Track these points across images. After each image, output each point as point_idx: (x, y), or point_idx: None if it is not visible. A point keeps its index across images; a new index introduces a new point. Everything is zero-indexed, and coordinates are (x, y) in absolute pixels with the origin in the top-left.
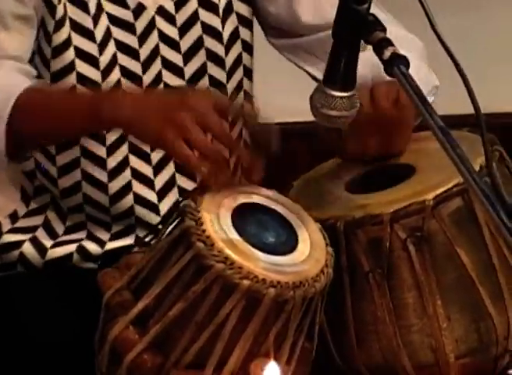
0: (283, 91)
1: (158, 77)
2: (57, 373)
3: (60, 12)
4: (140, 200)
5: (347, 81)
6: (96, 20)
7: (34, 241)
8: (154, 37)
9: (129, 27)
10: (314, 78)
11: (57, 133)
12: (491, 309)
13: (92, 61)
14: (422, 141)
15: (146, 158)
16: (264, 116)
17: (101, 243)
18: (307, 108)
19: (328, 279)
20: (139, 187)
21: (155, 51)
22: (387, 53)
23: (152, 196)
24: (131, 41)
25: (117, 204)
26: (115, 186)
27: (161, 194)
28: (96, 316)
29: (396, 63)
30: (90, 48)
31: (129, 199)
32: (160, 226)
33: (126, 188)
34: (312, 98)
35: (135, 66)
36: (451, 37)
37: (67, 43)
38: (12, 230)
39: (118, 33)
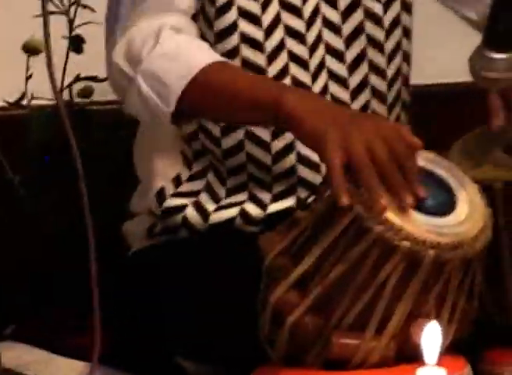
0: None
1: (322, 63)
2: (221, 333)
3: None
4: (302, 159)
5: (507, 42)
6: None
7: (197, 205)
8: (318, 22)
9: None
10: (474, 24)
11: (228, 115)
12: None
13: (255, 20)
14: None
15: None
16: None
17: (263, 205)
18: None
19: (487, 240)
20: (302, 147)
21: (319, 37)
22: None
23: (314, 155)
24: (299, 25)
25: (279, 163)
26: (278, 145)
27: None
28: (258, 280)
29: None
30: (253, 7)
31: (291, 158)
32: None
33: (289, 147)
34: (471, 60)
35: (299, 25)
36: None
37: (230, 3)
38: (176, 195)
39: (287, 17)
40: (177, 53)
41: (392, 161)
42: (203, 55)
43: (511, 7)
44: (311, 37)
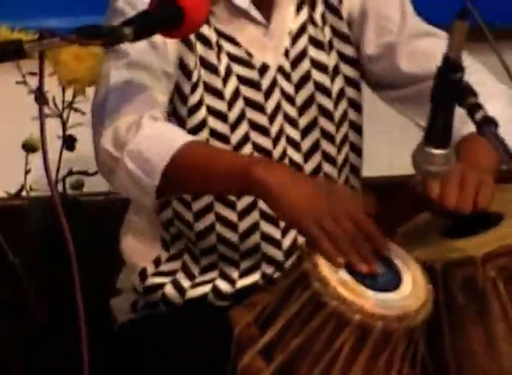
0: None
1: (281, 129)
2: None
3: (195, 76)
4: (266, 237)
5: (445, 140)
6: (226, 81)
7: (175, 283)
8: (276, 93)
9: (255, 85)
10: (420, 126)
11: (205, 185)
12: None
13: (222, 117)
14: (508, 192)
15: None
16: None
17: (232, 282)
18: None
19: (429, 313)
20: (265, 226)
21: (278, 106)
22: (478, 116)
23: (277, 233)
24: (258, 97)
25: (246, 241)
26: (244, 225)
27: (285, 230)
28: (228, 349)
29: (487, 125)
30: (220, 105)
31: (256, 237)
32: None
33: (254, 227)
34: (414, 155)
35: (262, 119)
36: None
37: (200, 103)
38: (156, 274)
39: (246, 90)
40: (158, 135)
41: (357, 232)
42: (180, 136)
43: (447, 110)
44: (270, 108)
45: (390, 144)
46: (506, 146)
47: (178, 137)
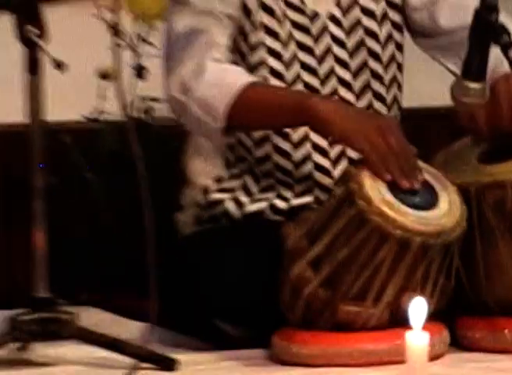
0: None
1: (331, 71)
2: (251, 302)
3: (255, 17)
4: (318, 167)
5: (480, 75)
6: (281, 24)
7: (235, 199)
8: (326, 38)
9: (306, 30)
10: (451, 72)
11: (266, 121)
12: None
13: (278, 57)
14: None
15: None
16: None
17: (287, 200)
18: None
19: (463, 230)
20: (317, 157)
21: (328, 49)
22: (511, 54)
23: (327, 163)
24: (308, 40)
25: (299, 170)
26: (297, 156)
27: (335, 162)
28: (280, 259)
29: None
30: (277, 46)
31: (309, 166)
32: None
33: (308, 157)
34: (452, 88)
35: (311, 61)
36: None
37: (260, 42)
38: (218, 190)
39: (297, 34)
40: (220, 78)
41: (400, 150)
42: (240, 78)
43: (482, 49)
44: (319, 51)
45: (431, 79)
46: None
47: (238, 80)
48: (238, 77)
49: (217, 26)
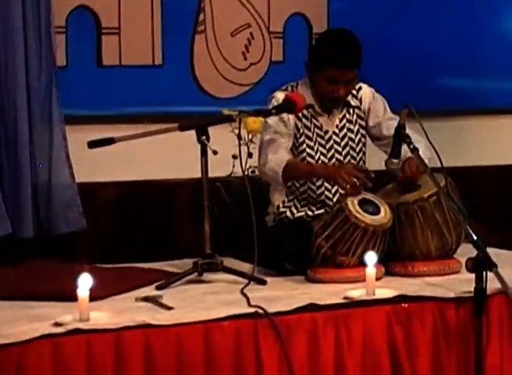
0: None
1: (333, 155)
2: (300, 253)
3: (301, 130)
4: (327, 196)
5: (398, 155)
6: (312, 135)
7: (290, 211)
8: (331, 142)
9: (322, 138)
10: (386, 152)
11: (302, 177)
12: (448, 235)
13: (312, 148)
14: (424, 176)
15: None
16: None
17: (313, 211)
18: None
19: (391, 223)
20: (327, 192)
21: (331, 147)
22: (411, 147)
23: (331, 195)
24: (323, 142)
25: (320, 197)
26: (319, 191)
27: (334, 194)
28: (310, 237)
29: (416, 150)
30: (311, 143)
31: (324, 196)
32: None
33: (323, 191)
34: (386, 161)
35: (325, 151)
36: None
37: (303, 142)
38: (283, 207)
39: (319, 139)
40: (278, 159)
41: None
42: (287, 158)
43: (398, 144)
44: (328, 150)
45: (381, 153)
46: (423, 160)
47: (285, 159)
48: (285, 158)
49: (284, 139)
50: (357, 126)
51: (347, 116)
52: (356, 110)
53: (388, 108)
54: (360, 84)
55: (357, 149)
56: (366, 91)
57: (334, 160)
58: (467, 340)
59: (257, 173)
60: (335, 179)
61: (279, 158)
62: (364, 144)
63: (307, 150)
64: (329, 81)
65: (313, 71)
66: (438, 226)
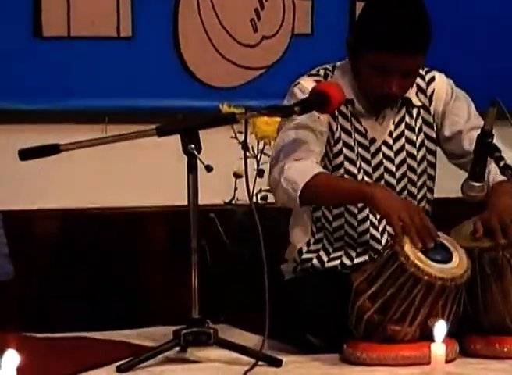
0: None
1: (381, 175)
2: (330, 323)
3: (337, 135)
4: (372, 237)
5: (481, 177)
6: (353, 142)
7: (318, 258)
8: (379, 156)
9: (366, 149)
10: (468, 172)
11: (331, 198)
12: None
13: (353, 163)
14: None
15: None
16: None
17: (352, 259)
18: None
19: (468, 277)
20: (372, 230)
21: (380, 162)
22: (501, 164)
23: (378, 235)
24: (368, 156)
25: (360, 238)
26: (360, 228)
27: (382, 234)
28: (349, 295)
29: (507, 169)
30: (353, 156)
31: (367, 236)
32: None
33: (367, 231)
34: (463, 186)
35: (368, 169)
36: None
37: (340, 152)
38: (307, 252)
39: (361, 151)
40: (303, 168)
41: (423, 224)
42: (317, 168)
43: (482, 161)
44: (373, 163)
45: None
46: None
47: (315, 169)
48: (315, 168)
49: (313, 138)
50: (421, 137)
51: (407, 119)
52: (422, 112)
53: (474, 112)
54: (434, 73)
55: (419, 171)
56: (441, 84)
57: (382, 184)
58: None
59: (270, 199)
60: (396, 215)
61: (307, 165)
62: (433, 165)
63: (346, 164)
64: (378, 70)
65: (355, 53)
66: None
